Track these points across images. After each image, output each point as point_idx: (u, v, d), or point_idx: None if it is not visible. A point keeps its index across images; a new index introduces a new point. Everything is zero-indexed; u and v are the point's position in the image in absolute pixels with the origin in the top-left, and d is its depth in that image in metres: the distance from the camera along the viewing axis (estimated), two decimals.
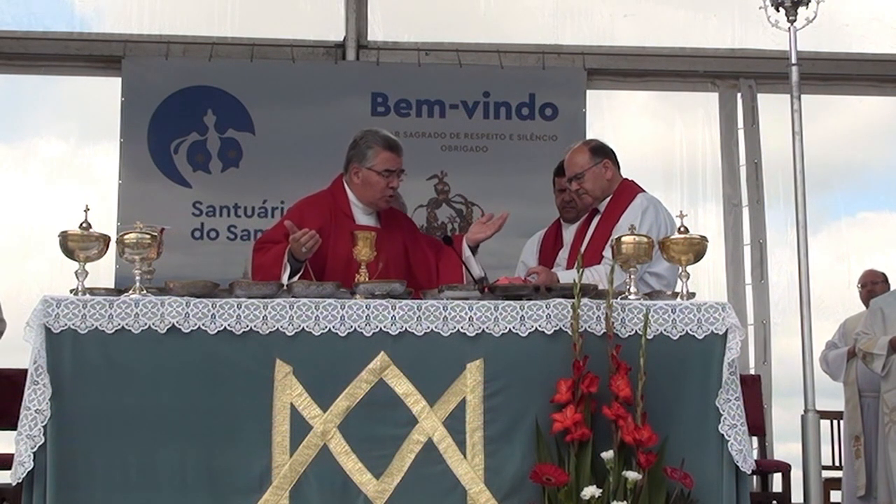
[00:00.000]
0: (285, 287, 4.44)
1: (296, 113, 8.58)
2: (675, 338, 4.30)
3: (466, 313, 4.28)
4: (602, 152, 5.41)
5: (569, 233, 5.82)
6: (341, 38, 8.78)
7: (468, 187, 8.70)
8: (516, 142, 8.73)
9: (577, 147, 5.50)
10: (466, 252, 5.20)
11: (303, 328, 4.24)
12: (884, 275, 8.20)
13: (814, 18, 5.36)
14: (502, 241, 6.47)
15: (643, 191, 5.39)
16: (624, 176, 5.45)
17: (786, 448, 8.22)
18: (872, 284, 8.13)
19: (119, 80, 8.58)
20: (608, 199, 5.37)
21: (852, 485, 7.66)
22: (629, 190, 5.36)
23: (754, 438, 7.09)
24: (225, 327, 4.22)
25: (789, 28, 5.39)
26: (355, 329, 4.25)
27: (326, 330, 4.24)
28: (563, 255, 5.66)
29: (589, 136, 8.27)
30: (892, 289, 7.97)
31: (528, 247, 6.09)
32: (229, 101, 8.62)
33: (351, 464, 4.21)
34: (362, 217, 5.21)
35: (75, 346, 4.18)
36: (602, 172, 5.37)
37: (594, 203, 5.42)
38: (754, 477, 7.24)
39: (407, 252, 5.22)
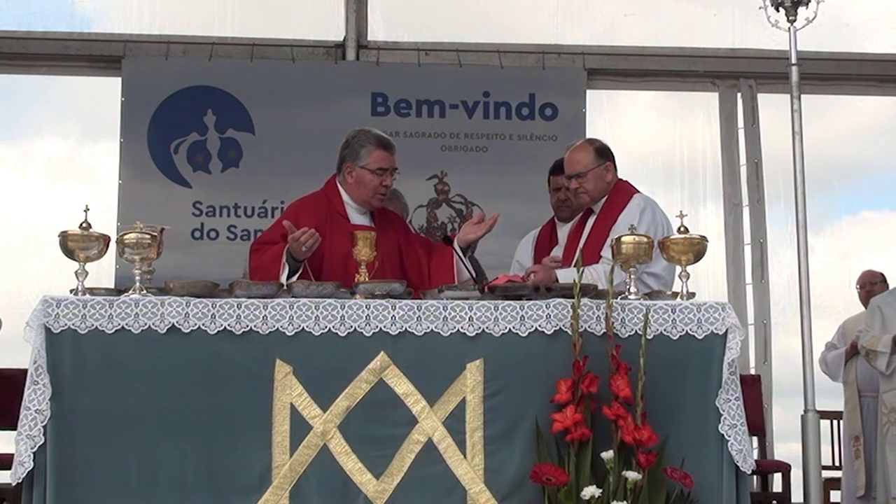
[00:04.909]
0: (285, 287, 4.44)
1: (296, 113, 8.57)
2: (675, 338, 4.30)
3: (466, 313, 4.27)
4: (606, 154, 5.40)
5: (563, 232, 5.80)
6: (341, 38, 8.78)
7: (468, 187, 8.70)
8: (516, 142, 8.72)
9: (581, 145, 5.48)
10: (458, 252, 5.20)
11: (303, 328, 4.24)
12: (882, 275, 8.19)
13: (814, 18, 5.36)
14: (502, 240, 6.48)
15: (638, 191, 5.38)
16: (620, 176, 5.45)
17: (786, 448, 8.23)
18: (871, 285, 8.12)
19: (119, 80, 8.58)
20: (604, 199, 5.36)
21: (852, 485, 7.65)
22: (625, 190, 5.36)
23: (754, 438, 7.10)
24: (225, 327, 4.22)
25: (789, 28, 5.39)
26: (355, 329, 4.25)
27: (326, 330, 4.24)
28: (558, 254, 5.63)
29: (589, 136, 8.24)
30: (891, 288, 7.96)
31: (523, 245, 6.07)
32: (229, 101, 8.62)
33: (351, 464, 4.21)
34: (356, 217, 5.22)
35: (75, 346, 4.18)
36: (603, 175, 5.36)
37: (591, 203, 5.41)
38: (754, 477, 7.25)
39: (401, 252, 5.23)
